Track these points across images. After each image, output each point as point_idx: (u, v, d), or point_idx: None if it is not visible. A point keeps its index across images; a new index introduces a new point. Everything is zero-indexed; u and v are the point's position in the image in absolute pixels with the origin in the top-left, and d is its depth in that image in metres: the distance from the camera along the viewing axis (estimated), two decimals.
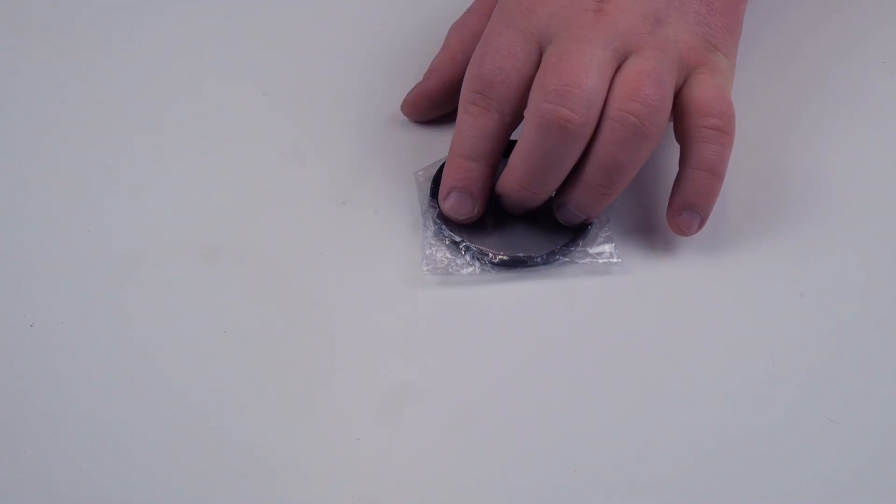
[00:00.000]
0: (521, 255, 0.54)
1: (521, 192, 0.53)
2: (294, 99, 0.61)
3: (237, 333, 0.52)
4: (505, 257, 0.54)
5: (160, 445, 0.49)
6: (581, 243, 0.55)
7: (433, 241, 0.55)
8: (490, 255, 0.54)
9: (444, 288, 0.54)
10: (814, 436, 0.50)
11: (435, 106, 0.59)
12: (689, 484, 0.48)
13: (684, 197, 0.53)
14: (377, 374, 0.51)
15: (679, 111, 0.53)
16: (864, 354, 0.52)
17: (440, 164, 0.56)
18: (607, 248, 0.55)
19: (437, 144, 0.58)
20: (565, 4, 0.53)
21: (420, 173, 0.57)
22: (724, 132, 0.53)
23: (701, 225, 0.54)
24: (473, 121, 0.53)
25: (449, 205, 0.54)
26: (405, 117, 0.59)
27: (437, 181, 0.56)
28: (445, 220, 0.55)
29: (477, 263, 0.54)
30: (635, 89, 0.51)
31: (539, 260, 0.54)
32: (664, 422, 0.50)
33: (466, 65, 0.54)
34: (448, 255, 0.55)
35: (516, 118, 0.53)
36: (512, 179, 0.53)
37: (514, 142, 0.53)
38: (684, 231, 0.54)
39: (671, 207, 0.54)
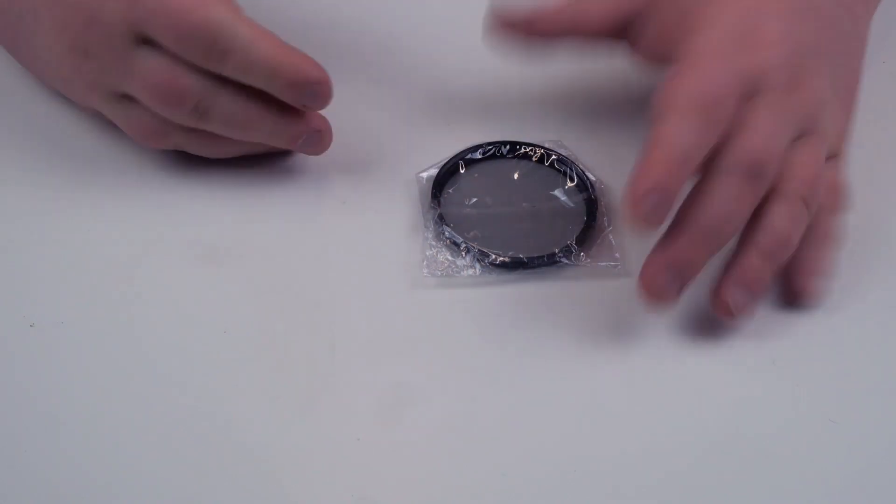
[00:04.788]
0: (521, 256, 0.54)
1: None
2: None
3: (238, 333, 0.52)
4: (506, 259, 0.54)
5: (160, 445, 0.48)
6: (582, 246, 0.55)
7: (433, 243, 0.55)
8: (491, 256, 0.54)
9: (444, 289, 0.54)
10: (814, 436, 0.50)
11: (536, 39, 0.54)
12: (689, 484, 0.48)
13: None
14: (377, 374, 0.51)
15: None
16: (864, 354, 0.52)
17: (440, 164, 0.56)
18: (608, 250, 0.55)
19: (437, 144, 0.58)
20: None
21: (420, 174, 0.57)
22: None
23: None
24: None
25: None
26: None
27: (437, 181, 0.56)
28: (445, 221, 0.55)
29: (477, 265, 0.54)
30: (815, 177, 0.51)
31: (540, 262, 0.54)
32: (664, 423, 0.50)
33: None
34: (448, 257, 0.54)
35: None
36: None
37: None
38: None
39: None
